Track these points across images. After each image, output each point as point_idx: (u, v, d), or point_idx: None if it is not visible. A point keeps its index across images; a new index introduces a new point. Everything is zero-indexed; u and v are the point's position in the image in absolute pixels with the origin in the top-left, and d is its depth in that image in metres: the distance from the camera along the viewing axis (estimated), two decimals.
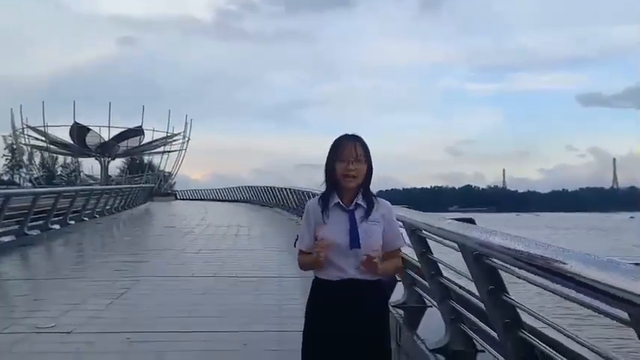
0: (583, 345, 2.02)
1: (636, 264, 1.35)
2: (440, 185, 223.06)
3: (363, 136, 2.62)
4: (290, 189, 21.30)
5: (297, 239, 2.68)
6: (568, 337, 2.20)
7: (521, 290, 2.29)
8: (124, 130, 57.17)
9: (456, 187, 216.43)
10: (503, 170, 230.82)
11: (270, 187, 27.11)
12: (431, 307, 4.81)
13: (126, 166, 67.99)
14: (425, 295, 5.04)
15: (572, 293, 1.60)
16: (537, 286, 1.99)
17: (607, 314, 1.52)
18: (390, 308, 5.39)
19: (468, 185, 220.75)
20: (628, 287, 1.28)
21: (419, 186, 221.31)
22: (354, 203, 2.57)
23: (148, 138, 59.15)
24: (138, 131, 57.75)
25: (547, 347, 2.44)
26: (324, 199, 2.61)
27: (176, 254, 10.61)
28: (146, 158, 67.56)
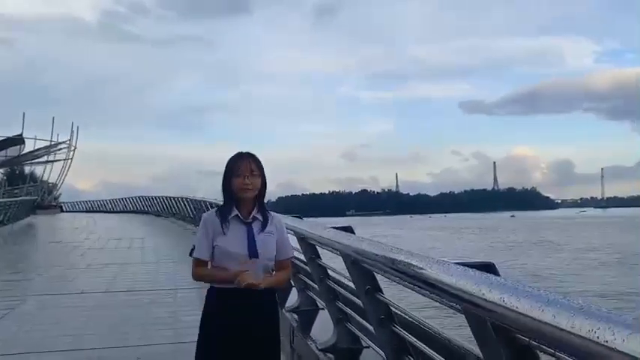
0: (440, 335, 2.34)
1: (464, 264, 1.65)
2: (338, 190, 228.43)
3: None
4: (186, 198, 20.91)
5: (193, 249, 2.79)
6: (429, 329, 2.52)
7: (400, 289, 2.57)
8: (2, 139, 52.75)
9: (353, 192, 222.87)
10: (396, 174, 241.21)
11: (166, 197, 26.40)
12: (322, 309, 5.06)
13: (4, 178, 62.65)
14: (316, 298, 5.30)
15: (423, 291, 1.89)
16: (400, 284, 2.28)
17: (449, 306, 1.82)
18: (285, 313, 5.61)
19: (364, 189, 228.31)
20: (460, 285, 1.57)
21: (317, 191, 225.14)
22: (251, 216, 2.77)
23: (29, 147, 55.01)
24: (18, 140, 53.52)
25: (415, 339, 2.76)
26: (222, 211, 2.78)
27: (63, 271, 10.12)
28: (27, 169, 62.77)
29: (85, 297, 7.49)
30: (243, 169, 2.74)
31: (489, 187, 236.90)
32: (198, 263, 2.79)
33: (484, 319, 1.53)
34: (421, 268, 1.82)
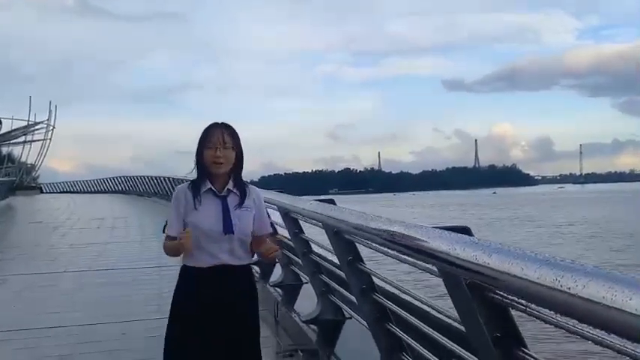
0: (420, 301, 2.42)
1: (441, 227, 1.71)
2: (320, 169, 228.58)
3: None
4: (168, 177, 20.78)
5: (165, 224, 2.70)
6: (410, 295, 2.61)
7: (380, 258, 2.63)
8: None
9: (336, 171, 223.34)
10: (379, 153, 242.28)
11: (147, 177, 26.21)
12: (306, 283, 5.14)
13: None
14: (300, 272, 5.38)
15: (402, 256, 1.96)
16: (381, 253, 2.34)
17: (427, 270, 1.89)
18: (269, 287, 5.69)
19: (347, 168, 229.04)
20: (435, 246, 1.63)
21: (301, 170, 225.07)
22: (225, 189, 2.62)
23: (5, 127, 53.90)
24: None
25: (397, 306, 2.84)
26: (195, 185, 2.64)
27: (45, 250, 10.06)
28: (4, 150, 61.65)
29: (68, 276, 7.49)
30: (214, 140, 2.59)
31: (471, 165, 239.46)
32: (169, 239, 2.65)
33: (459, 279, 1.59)
34: (401, 233, 1.87)
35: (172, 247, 2.66)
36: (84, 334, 4.81)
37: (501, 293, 1.45)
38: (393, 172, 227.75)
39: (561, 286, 1.08)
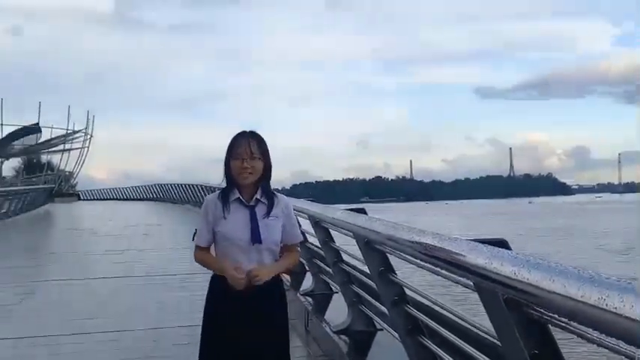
0: (454, 314, 2.35)
1: (477, 240, 1.65)
2: (351, 177, 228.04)
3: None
4: (201, 185, 21.05)
5: (195, 233, 2.70)
6: (443, 308, 2.54)
7: (413, 268, 2.57)
8: (18, 128, 53.44)
9: (367, 179, 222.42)
10: (410, 161, 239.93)
11: (181, 184, 26.62)
12: (337, 292, 5.10)
13: (22, 167, 63.53)
14: (330, 281, 5.34)
15: (436, 269, 1.90)
16: (413, 264, 2.29)
17: (462, 283, 1.83)
18: (300, 297, 5.67)
19: (378, 176, 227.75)
20: (470, 260, 1.58)
21: (331, 178, 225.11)
22: (254, 199, 2.60)
23: (45, 135, 55.64)
24: (34, 129, 54.17)
25: (429, 319, 2.77)
26: (224, 194, 2.63)
27: (81, 257, 10.28)
28: (44, 157, 63.54)
29: (103, 282, 7.61)
30: (241, 151, 2.56)
31: (505, 174, 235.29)
32: (200, 248, 2.68)
33: (496, 294, 1.53)
34: (435, 246, 1.82)
35: (207, 263, 2.70)
36: (118, 341, 4.87)
37: (541, 310, 1.39)
38: (425, 180, 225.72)
39: (607, 305, 1.02)
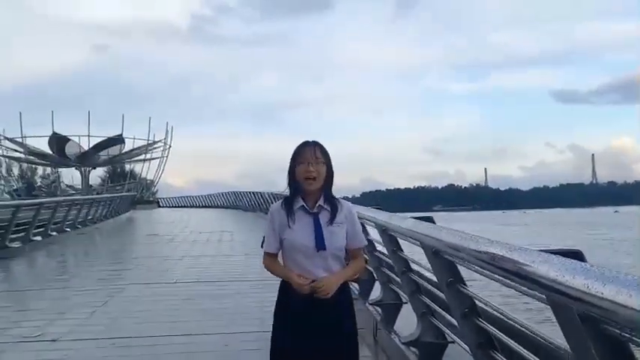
0: (526, 328, 2.24)
1: (550, 251, 1.56)
2: (423, 185, 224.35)
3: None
4: (271, 193, 21.44)
5: (263, 240, 2.79)
6: (515, 322, 2.43)
7: (483, 279, 2.47)
8: (104, 139, 56.76)
9: (439, 187, 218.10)
10: (485, 169, 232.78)
11: (253, 192, 27.23)
12: (406, 302, 5.01)
13: (107, 175, 67.42)
14: (399, 291, 5.26)
15: (506, 281, 1.82)
16: (483, 275, 2.21)
17: (534, 296, 1.74)
18: (368, 306, 5.62)
19: (451, 184, 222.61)
20: (542, 272, 1.50)
21: (402, 186, 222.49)
22: (317, 206, 2.69)
23: (128, 146, 58.77)
24: (118, 140, 57.35)
25: (501, 333, 2.66)
26: (288, 202, 2.72)
27: (159, 261, 10.72)
28: (127, 166, 67.07)
29: (179, 286, 7.91)
30: (307, 156, 2.67)
31: (587, 181, 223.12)
32: (268, 255, 2.78)
33: (570, 309, 1.44)
34: (503, 256, 1.75)
35: (276, 272, 2.79)
36: (191, 344, 5.02)
37: (619, 327, 1.30)
38: (501, 188, 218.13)
39: None
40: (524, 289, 1.73)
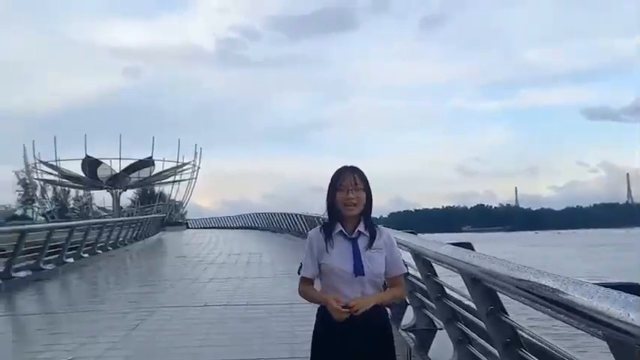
0: None
1: (605, 284, 1.46)
2: (452, 205, 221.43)
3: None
4: (301, 215, 21.43)
5: (300, 267, 2.76)
6: (564, 355, 2.30)
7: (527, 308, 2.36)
8: (134, 161, 57.85)
9: (468, 207, 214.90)
10: (515, 188, 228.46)
11: (281, 213, 27.27)
12: (441, 329, 4.87)
13: (137, 197, 68.55)
14: (433, 317, 5.12)
15: (557, 315, 1.72)
16: (528, 305, 2.10)
17: (587, 331, 1.64)
18: (401, 332, 5.48)
19: (480, 204, 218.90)
20: (601, 309, 1.40)
21: (430, 206, 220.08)
22: (356, 231, 2.67)
23: (158, 168, 59.76)
24: (148, 162, 58.42)
25: None
26: (327, 228, 2.71)
27: (188, 284, 10.74)
28: (157, 188, 68.15)
29: (208, 309, 7.88)
30: (346, 183, 2.66)
31: (622, 201, 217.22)
32: (304, 281, 2.76)
33: (631, 348, 1.34)
34: (554, 290, 1.65)
35: (311, 297, 2.76)
36: None
37: None
38: (533, 208, 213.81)
39: None
40: (577, 323, 1.63)
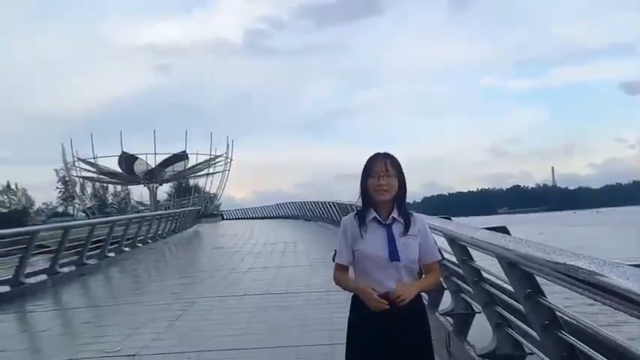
0: (616, 343, 2.11)
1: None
2: (487, 187, 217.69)
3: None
4: (333, 203, 21.51)
5: (335, 254, 2.77)
6: (605, 337, 2.29)
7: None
8: (169, 155, 58.85)
9: (504, 189, 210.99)
10: (552, 168, 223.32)
11: (313, 202, 27.41)
12: (479, 313, 4.87)
13: (173, 191, 69.86)
14: (471, 301, 5.11)
15: (594, 296, 1.72)
16: (567, 288, 2.10)
17: (626, 312, 1.64)
18: (439, 316, 5.50)
19: (516, 185, 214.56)
20: (635, 289, 1.40)
21: (465, 189, 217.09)
22: (390, 217, 2.67)
23: (192, 161, 60.67)
24: (182, 156, 59.36)
25: (586, 346, 2.53)
26: (361, 214, 2.71)
27: (227, 274, 10.94)
28: (192, 181, 69.23)
29: (247, 299, 8.04)
30: (377, 169, 2.67)
31: None
32: (339, 268, 2.76)
33: None
34: (590, 272, 1.65)
35: (346, 284, 2.76)
36: (262, 357, 5.08)
37: None
38: (570, 187, 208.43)
39: None
40: (614, 304, 1.63)
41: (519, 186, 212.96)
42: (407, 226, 2.66)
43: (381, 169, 2.66)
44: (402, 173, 2.72)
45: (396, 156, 2.75)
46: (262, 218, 42.29)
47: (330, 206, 22.28)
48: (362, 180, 2.72)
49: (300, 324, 6.21)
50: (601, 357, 2.41)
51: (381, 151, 2.77)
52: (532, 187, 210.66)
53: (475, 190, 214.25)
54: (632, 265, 1.51)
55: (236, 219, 49.76)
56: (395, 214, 2.68)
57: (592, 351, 2.48)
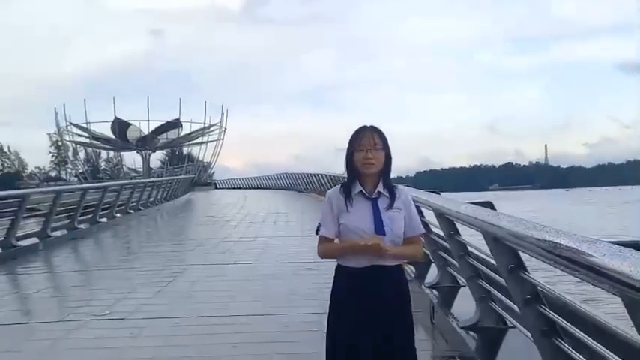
0: (594, 318, 2.17)
1: (620, 243, 1.49)
2: (479, 164, 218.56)
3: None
4: (327, 175, 21.54)
5: (318, 227, 2.75)
6: (584, 312, 2.35)
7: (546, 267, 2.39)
8: (162, 123, 58.52)
9: (496, 165, 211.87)
10: (545, 146, 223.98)
11: (307, 174, 27.44)
12: (464, 286, 4.95)
13: (166, 158, 69.73)
14: (457, 274, 5.20)
15: (572, 272, 1.76)
16: (548, 264, 2.14)
17: (602, 288, 1.68)
18: (425, 289, 5.59)
19: (509, 163, 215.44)
20: (612, 266, 1.44)
21: (458, 165, 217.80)
22: (376, 192, 2.66)
23: (186, 130, 60.40)
24: (176, 124, 59.05)
25: (566, 322, 2.59)
26: (347, 188, 2.69)
27: (218, 243, 11.01)
28: (185, 149, 69.05)
29: (237, 267, 8.12)
30: (365, 142, 2.64)
31: None
32: (323, 240, 2.73)
33: None
34: (569, 248, 1.69)
35: (332, 252, 2.75)
36: (252, 324, 5.15)
37: None
38: (562, 166, 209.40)
39: None
40: (592, 280, 1.67)
41: (512, 163, 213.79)
42: (392, 199, 2.65)
43: (369, 143, 2.64)
44: (389, 147, 2.70)
45: (384, 130, 2.71)
46: (255, 189, 42.33)
47: (324, 178, 22.31)
48: (348, 153, 2.70)
49: (290, 293, 6.29)
50: (580, 332, 2.47)
51: (368, 124, 2.73)
52: (525, 165, 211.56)
53: (467, 166, 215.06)
54: (611, 241, 1.54)
55: (229, 188, 49.79)
56: (380, 187, 2.67)
57: (571, 326, 2.55)
